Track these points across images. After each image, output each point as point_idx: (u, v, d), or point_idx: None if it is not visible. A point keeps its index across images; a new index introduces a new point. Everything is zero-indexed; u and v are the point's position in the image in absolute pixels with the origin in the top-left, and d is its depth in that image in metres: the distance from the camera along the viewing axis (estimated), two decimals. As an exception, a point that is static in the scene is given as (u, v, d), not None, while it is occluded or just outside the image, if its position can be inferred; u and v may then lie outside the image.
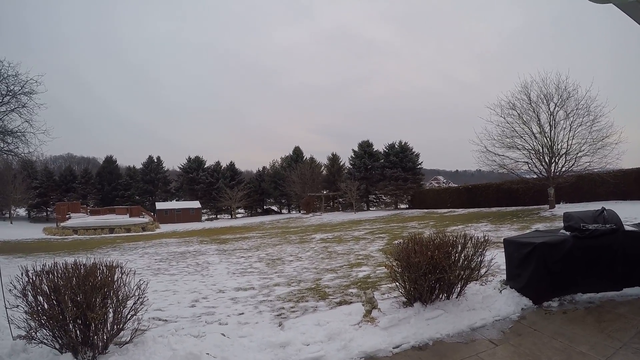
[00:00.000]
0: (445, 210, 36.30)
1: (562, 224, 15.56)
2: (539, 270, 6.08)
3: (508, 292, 6.46)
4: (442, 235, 6.38)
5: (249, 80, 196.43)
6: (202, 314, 7.27)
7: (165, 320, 6.97)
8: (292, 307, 7.33)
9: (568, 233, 6.42)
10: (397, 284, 6.31)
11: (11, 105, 18.40)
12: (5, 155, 19.72)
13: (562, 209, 21.57)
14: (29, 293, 4.53)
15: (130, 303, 4.95)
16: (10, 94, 18.14)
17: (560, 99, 22.40)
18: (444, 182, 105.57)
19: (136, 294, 5.01)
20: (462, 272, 6.14)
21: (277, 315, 6.90)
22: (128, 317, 4.94)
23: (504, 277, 6.93)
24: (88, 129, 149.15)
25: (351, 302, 7.35)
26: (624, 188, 22.96)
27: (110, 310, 4.77)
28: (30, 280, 4.57)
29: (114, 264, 5.00)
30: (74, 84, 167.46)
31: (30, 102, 18.52)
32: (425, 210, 38.94)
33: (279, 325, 6.13)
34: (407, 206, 49.48)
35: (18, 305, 4.51)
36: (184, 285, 10.11)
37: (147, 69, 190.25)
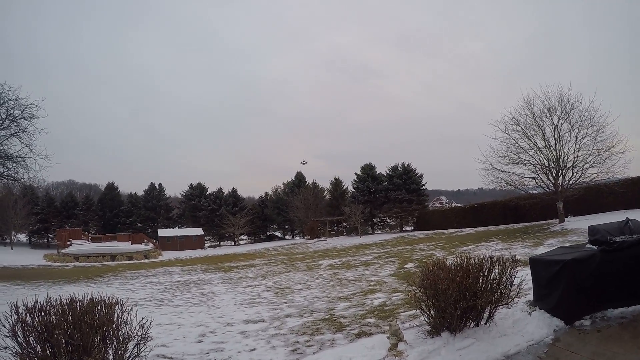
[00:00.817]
0: (452, 230, 35.65)
1: (575, 238, 15.28)
2: (569, 289, 5.72)
3: (538, 313, 6.05)
4: (466, 258, 5.86)
5: (248, 107, 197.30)
6: (211, 350, 6.71)
7: (171, 358, 6.41)
8: (307, 341, 6.78)
9: (595, 247, 6.08)
10: (422, 311, 5.78)
11: (11, 129, 18.10)
12: (5, 180, 19.37)
13: (571, 222, 21.16)
14: (19, 333, 4.04)
15: (132, 344, 4.44)
16: (10, 118, 17.86)
17: (564, 112, 22.11)
18: (446, 202, 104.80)
19: (139, 333, 4.50)
20: (491, 297, 5.64)
21: (293, 350, 6.35)
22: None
23: (530, 297, 6.54)
24: (86, 156, 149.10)
25: (371, 334, 6.81)
26: (630, 197, 22.63)
27: (110, 352, 4.26)
28: (20, 318, 4.08)
29: (114, 300, 4.51)
30: (73, 109, 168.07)
31: (30, 126, 18.28)
32: (432, 232, 38.27)
33: (296, 363, 5.59)
34: (413, 228, 48.84)
35: (6, 347, 4.02)
36: (190, 318, 9.53)
37: (147, 97, 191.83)
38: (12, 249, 49.02)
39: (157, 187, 69.55)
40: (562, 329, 5.58)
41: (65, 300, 4.36)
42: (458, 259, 5.86)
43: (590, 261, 5.84)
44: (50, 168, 18.97)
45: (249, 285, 15.08)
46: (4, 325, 4.05)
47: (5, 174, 18.46)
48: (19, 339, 4.03)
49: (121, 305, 4.51)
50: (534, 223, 26.23)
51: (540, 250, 13.57)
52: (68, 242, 45.98)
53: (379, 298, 10.03)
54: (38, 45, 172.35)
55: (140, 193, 70.10)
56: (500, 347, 5.22)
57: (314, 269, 18.54)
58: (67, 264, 37.47)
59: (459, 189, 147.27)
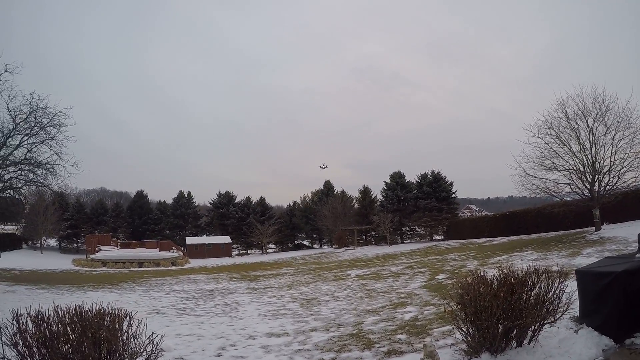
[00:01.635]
0: (484, 239, 34.50)
1: (614, 247, 14.44)
2: (620, 303, 5.17)
3: (585, 331, 5.45)
4: (508, 271, 5.26)
5: (277, 117, 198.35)
6: (230, 365, 6.30)
7: (187, 373, 6.03)
8: (333, 359, 6.28)
9: None
10: (459, 329, 5.21)
11: (40, 137, 18.40)
12: (35, 186, 19.71)
13: (607, 230, 20.10)
14: (19, 343, 3.72)
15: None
16: (39, 125, 18.14)
17: (599, 114, 21.06)
18: (476, 211, 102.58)
19: (148, 348, 4.12)
20: (538, 314, 5.05)
21: (317, 368, 5.88)
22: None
23: (573, 312, 5.91)
24: (121, 164, 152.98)
25: (402, 352, 6.30)
26: None
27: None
28: (21, 328, 3.76)
29: (122, 313, 4.14)
30: (108, 122, 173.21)
31: (59, 134, 18.54)
32: (462, 241, 37.15)
33: (320, 384, 5.10)
34: (443, 237, 47.60)
35: (4, 358, 3.73)
36: (211, 329, 9.16)
37: (178, 108, 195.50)
38: (42, 252, 49.92)
39: (186, 196, 70.16)
40: (612, 348, 5.06)
41: (72, 310, 4.03)
42: (498, 272, 5.29)
43: None
44: (78, 175, 19.21)
45: (274, 296, 14.67)
46: (4, 333, 3.77)
47: (35, 180, 18.72)
48: (19, 348, 3.73)
49: (130, 317, 4.13)
50: (568, 231, 25.06)
51: (578, 261, 12.83)
52: (97, 248, 46.65)
53: (410, 312, 9.45)
54: (85, 58, 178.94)
55: (169, 201, 70.83)
56: (547, 370, 4.67)
57: (342, 280, 18.01)
58: (94, 269, 37.90)
59: (488, 197, 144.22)
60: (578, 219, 25.53)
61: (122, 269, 38.29)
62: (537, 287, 5.14)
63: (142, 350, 4.06)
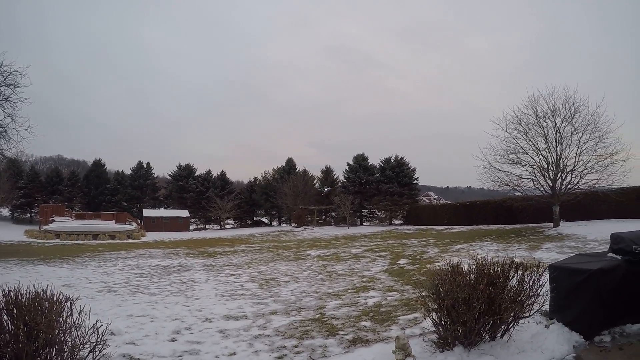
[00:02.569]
0: (443, 227, 35.05)
1: (573, 244, 14.73)
2: (593, 301, 5.22)
3: (557, 327, 5.42)
4: (484, 262, 5.04)
5: (243, 91, 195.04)
6: (184, 352, 5.86)
7: (138, 359, 5.55)
8: (295, 347, 5.96)
9: (619, 257, 5.62)
10: (433, 321, 4.98)
11: None
12: None
13: (565, 227, 20.63)
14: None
15: (85, 352, 3.57)
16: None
17: (569, 114, 21.44)
18: (435, 199, 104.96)
19: (92, 339, 3.63)
20: (517, 309, 4.90)
21: (278, 357, 5.54)
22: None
23: (543, 307, 5.74)
24: (79, 132, 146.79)
25: (368, 340, 6.03)
26: (627, 206, 22.16)
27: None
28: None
29: (62, 297, 3.62)
30: (65, 87, 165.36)
31: (13, 95, 17.26)
32: (422, 227, 37.66)
33: (283, 377, 4.75)
34: (402, 222, 48.13)
35: None
36: (165, 310, 8.63)
37: (139, 76, 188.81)
38: (-7, 223, 47.73)
39: (145, 166, 68.13)
40: (582, 345, 5.09)
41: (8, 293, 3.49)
42: (474, 262, 5.07)
43: (614, 272, 5.32)
44: (33, 140, 18.11)
45: (232, 274, 14.22)
46: None
47: None
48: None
49: (71, 303, 3.62)
50: (526, 225, 25.68)
51: (539, 254, 13.05)
52: (50, 219, 44.62)
53: (373, 297, 9.23)
54: (45, 18, 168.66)
55: (128, 171, 68.65)
56: (521, 367, 4.52)
57: (302, 260, 17.74)
58: (47, 241, 36.39)
59: (447, 186, 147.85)
60: (537, 214, 26.36)
61: (76, 241, 36.93)
62: (514, 280, 4.98)
63: (85, 341, 3.55)
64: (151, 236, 44.46)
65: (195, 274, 14.46)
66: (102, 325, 3.70)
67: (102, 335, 3.68)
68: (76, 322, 3.58)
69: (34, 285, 3.78)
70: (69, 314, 3.56)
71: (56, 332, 3.41)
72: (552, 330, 5.35)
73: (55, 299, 3.57)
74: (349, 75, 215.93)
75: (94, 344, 3.61)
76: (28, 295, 3.54)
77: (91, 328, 3.61)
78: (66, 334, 3.49)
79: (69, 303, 3.61)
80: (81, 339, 3.53)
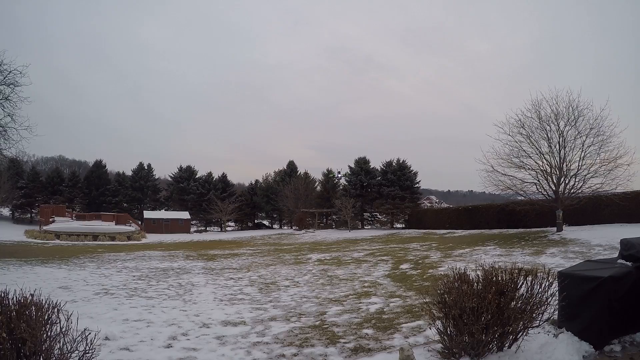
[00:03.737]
0: (445, 231, 34.86)
1: (577, 249, 14.56)
2: (603, 310, 4.95)
3: (565, 336, 5.14)
4: (491, 269, 4.84)
5: (243, 93, 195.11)
6: (180, 359, 5.66)
7: (132, 366, 5.37)
8: (294, 355, 5.76)
9: (629, 264, 5.36)
10: (439, 331, 4.78)
11: None
12: None
13: (569, 232, 20.47)
14: None
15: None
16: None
17: (572, 118, 21.27)
18: (436, 202, 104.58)
19: (81, 348, 3.44)
20: (527, 319, 4.70)
21: (277, 367, 5.33)
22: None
23: (552, 316, 5.57)
24: (80, 132, 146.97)
25: (370, 350, 5.84)
26: (631, 210, 22.10)
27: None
28: None
29: (49, 304, 3.43)
30: (65, 87, 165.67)
31: (13, 94, 17.15)
32: (423, 231, 37.45)
33: (281, 387, 4.55)
34: (404, 226, 47.93)
35: None
36: (162, 314, 8.44)
37: (139, 76, 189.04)
38: (-7, 223, 47.61)
39: (146, 168, 67.82)
40: (592, 355, 4.85)
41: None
42: (481, 270, 4.88)
43: (625, 279, 5.08)
44: (34, 140, 18.01)
45: (231, 278, 14.02)
46: None
47: None
48: None
49: (58, 310, 3.43)
50: (529, 230, 25.49)
51: (543, 259, 12.87)
52: (51, 219, 44.45)
53: (376, 303, 9.04)
54: (46, 17, 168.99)
55: (129, 172, 68.34)
56: (530, 379, 4.32)
57: (302, 263, 17.54)
58: (47, 241, 36.21)
59: (449, 190, 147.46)
60: (539, 219, 26.10)
61: (75, 242, 36.75)
62: (522, 288, 4.79)
63: (72, 349, 3.36)
64: (151, 238, 44.24)
65: (194, 277, 14.26)
66: (90, 333, 3.50)
67: (92, 343, 3.49)
68: (63, 329, 3.38)
69: (21, 290, 3.58)
70: (56, 320, 3.37)
71: (44, 338, 3.22)
72: (561, 340, 5.14)
73: (40, 304, 3.37)
74: (349, 76, 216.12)
75: (83, 352, 3.42)
76: (15, 300, 3.35)
77: (80, 335, 3.43)
78: (54, 342, 3.30)
79: (56, 310, 3.41)
80: (69, 347, 3.34)
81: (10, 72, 16.92)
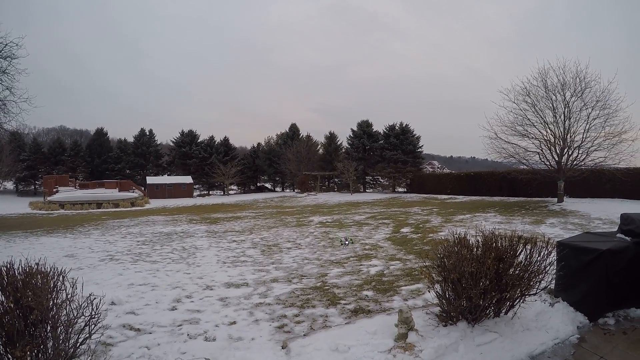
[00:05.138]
0: (446, 196, 34.99)
1: (577, 220, 14.65)
2: (600, 282, 5.10)
3: (562, 306, 5.39)
4: (491, 235, 4.90)
5: (245, 56, 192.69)
6: (184, 321, 5.83)
7: (138, 329, 5.53)
8: (296, 316, 5.91)
9: (628, 239, 5.50)
10: (437, 294, 4.89)
11: None
12: None
13: (569, 203, 20.57)
14: None
15: (79, 327, 3.48)
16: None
17: (579, 89, 20.88)
18: (438, 167, 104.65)
19: (87, 313, 3.53)
20: (525, 286, 4.81)
21: (279, 327, 5.48)
22: (78, 346, 3.48)
23: (549, 285, 5.77)
24: (81, 102, 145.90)
25: (370, 311, 5.98)
26: (632, 186, 22.15)
27: (50, 343, 3.30)
28: None
29: (54, 271, 3.50)
30: (65, 56, 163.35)
31: (10, 67, 16.91)
32: (425, 195, 37.58)
33: (283, 348, 4.69)
34: (405, 190, 47.99)
35: None
36: (166, 278, 8.63)
37: (138, 43, 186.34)
38: (-3, 196, 48.00)
39: (148, 133, 67.64)
40: (586, 326, 5.07)
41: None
42: (480, 235, 4.94)
43: (623, 254, 5.21)
44: (34, 112, 17.97)
45: (234, 240, 14.21)
46: None
47: None
48: None
49: (62, 277, 3.51)
50: (530, 199, 25.64)
51: (543, 229, 12.97)
52: (54, 190, 44.60)
53: (376, 266, 9.18)
54: None
55: (130, 139, 68.30)
56: (525, 345, 4.49)
57: (304, 226, 17.71)
58: (52, 211, 36.41)
59: (451, 156, 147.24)
60: (541, 188, 26.26)
61: (80, 211, 37.00)
62: (521, 256, 4.86)
63: (79, 314, 3.46)
64: (155, 203, 44.55)
65: (198, 241, 14.47)
66: (95, 298, 3.59)
67: (97, 308, 3.58)
68: (69, 295, 3.47)
69: (26, 259, 3.65)
70: (62, 287, 3.45)
71: (50, 305, 3.31)
72: (557, 309, 5.30)
73: (48, 272, 3.45)
74: (353, 37, 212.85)
75: (89, 317, 3.52)
76: (20, 270, 3.42)
77: (85, 301, 3.52)
78: (60, 309, 3.39)
79: (61, 277, 3.49)
80: (75, 313, 3.44)
81: (6, 45, 16.64)
